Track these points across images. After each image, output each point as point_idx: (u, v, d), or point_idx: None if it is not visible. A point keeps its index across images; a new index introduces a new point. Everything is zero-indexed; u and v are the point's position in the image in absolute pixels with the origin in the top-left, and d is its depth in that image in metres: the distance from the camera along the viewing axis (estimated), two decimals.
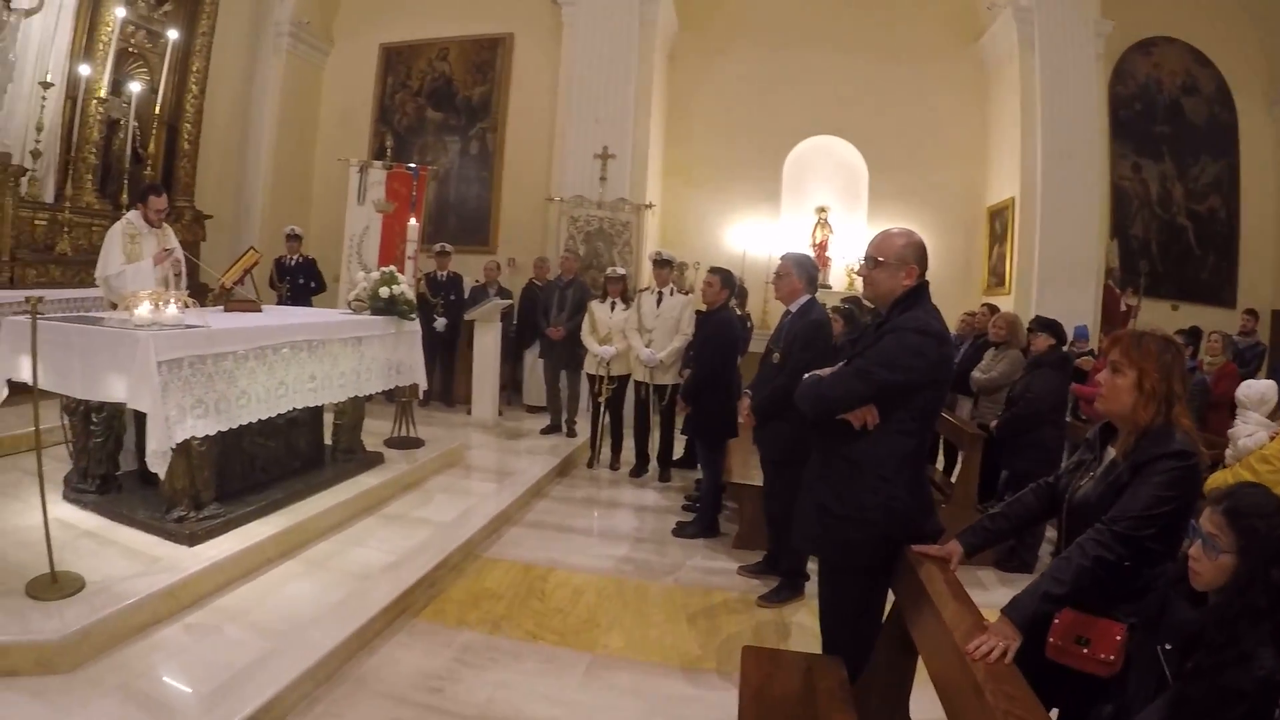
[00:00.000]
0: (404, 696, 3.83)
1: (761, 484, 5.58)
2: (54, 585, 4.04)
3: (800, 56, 12.30)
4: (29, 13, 8.45)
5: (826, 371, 3.39)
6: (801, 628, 4.71)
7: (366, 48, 14.01)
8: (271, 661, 3.79)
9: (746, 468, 6.36)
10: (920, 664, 2.85)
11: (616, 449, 8.50)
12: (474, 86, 13.19)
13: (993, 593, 5.39)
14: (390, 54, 13.83)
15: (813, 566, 4.66)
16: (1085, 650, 2.48)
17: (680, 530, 6.41)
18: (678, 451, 8.36)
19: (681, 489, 7.69)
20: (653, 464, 8.22)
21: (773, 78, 12.42)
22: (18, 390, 4.99)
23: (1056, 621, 2.52)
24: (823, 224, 12.40)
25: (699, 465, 7.13)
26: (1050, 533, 6.00)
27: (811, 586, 4.92)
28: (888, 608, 3.23)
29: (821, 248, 12.20)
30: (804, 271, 5.30)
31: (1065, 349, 6.91)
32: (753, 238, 12.20)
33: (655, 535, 6.39)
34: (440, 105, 13.44)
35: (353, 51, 14.21)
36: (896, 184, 12.00)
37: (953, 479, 7.04)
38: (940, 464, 8.26)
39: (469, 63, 13.25)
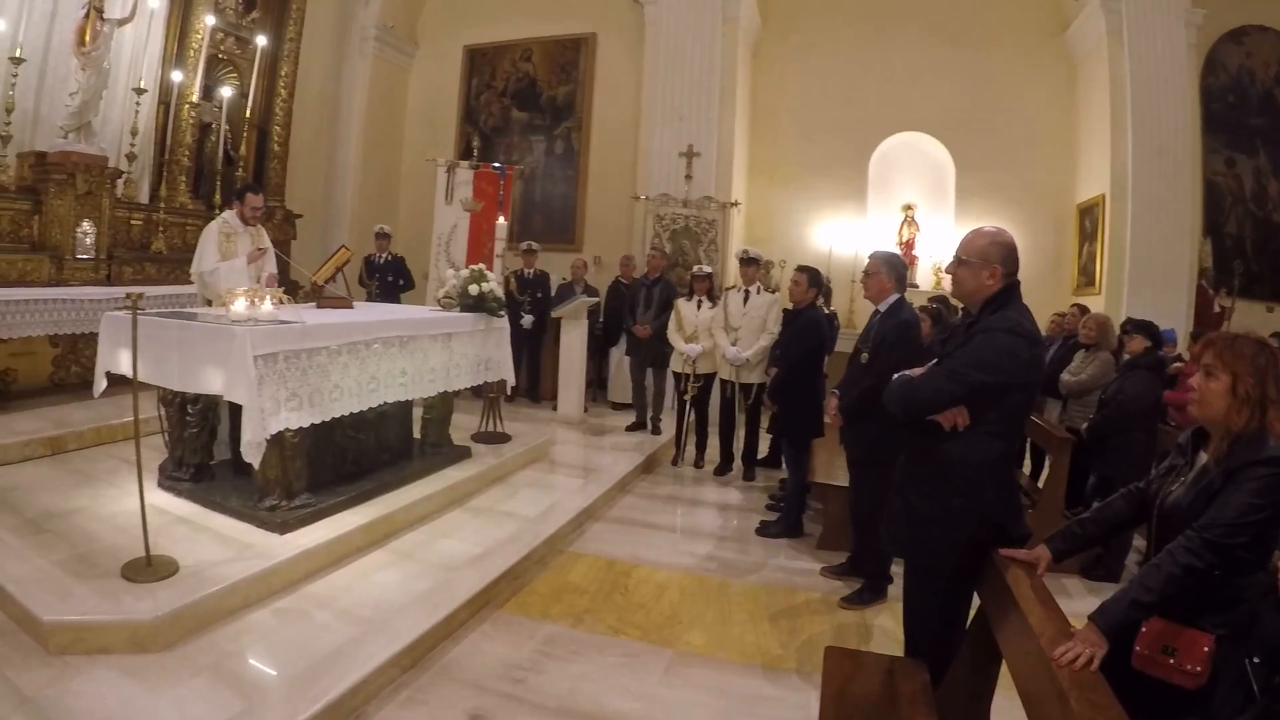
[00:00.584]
0: (486, 685, 3.90)
1: (847, 484, 5.55)
2: (149, 568, 4.25)
3: (884, 52, 12.10)
4: (122, 22, 8.84)
5: (916, 372, 3.37)
6: (883, 631, 4.67)
7: (450, 50, 14.28)
8: (358, 647, 3.91)
9: (832, 468, 6.31)
10: (1004, 669, 2.82)
11: (701, 447, 8.49)
12: (558, 86, 13.33)
13: (1078, 601, 5.26)
14: (474, 55, 14.07)
15: (896, 569, 4.63)
16: (1172, 660, 2.42)
17: (764, 529, 6.38)
18: (762, 450, 8.33)
19: (765, 488, 7.65)
20: (737, 462, 8.19)
21: (857, 74, 12.23)
22: (116, 382, 5.29)
23: (1144, 630, 2.48)
24: (909, 221, 12.17)
25: (784, 464, 7.12)
26: (1138, 541, 5.84)
27: (894, 589, 4.87)
28: (972, 612, 3.21)
29: (908, 246, 11.99)
30: (893, 270, 5.24)
31: (1160, 352, 6.72)
32: (839, 235, 12.05)
33: (739, 534, 6.38)
34: (525, 105, 13.62)
35: (437, 54, 14.51)
36: (983, 181, 11.69)
37: (1040, 483, 6.88)
38: (1027, 468, 8.09)
39: (552, 63, 13.40)
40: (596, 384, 11.13)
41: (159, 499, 5.31)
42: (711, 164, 11.25)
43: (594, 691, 3.88)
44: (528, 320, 10.43)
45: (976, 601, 3.14)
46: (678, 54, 11.40)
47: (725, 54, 11.32)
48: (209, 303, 6.27)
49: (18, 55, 7.91)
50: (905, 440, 3.46)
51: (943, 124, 12.02)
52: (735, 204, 11.39)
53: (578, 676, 4.02)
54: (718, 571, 5.53)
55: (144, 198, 9.88)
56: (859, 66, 12.22)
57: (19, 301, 7.29)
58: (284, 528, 4.94)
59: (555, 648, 4.34)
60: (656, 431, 9.31)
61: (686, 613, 4.85)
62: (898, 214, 12.25)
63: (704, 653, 4.34)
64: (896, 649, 3.67)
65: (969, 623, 3.22)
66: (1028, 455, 8.08)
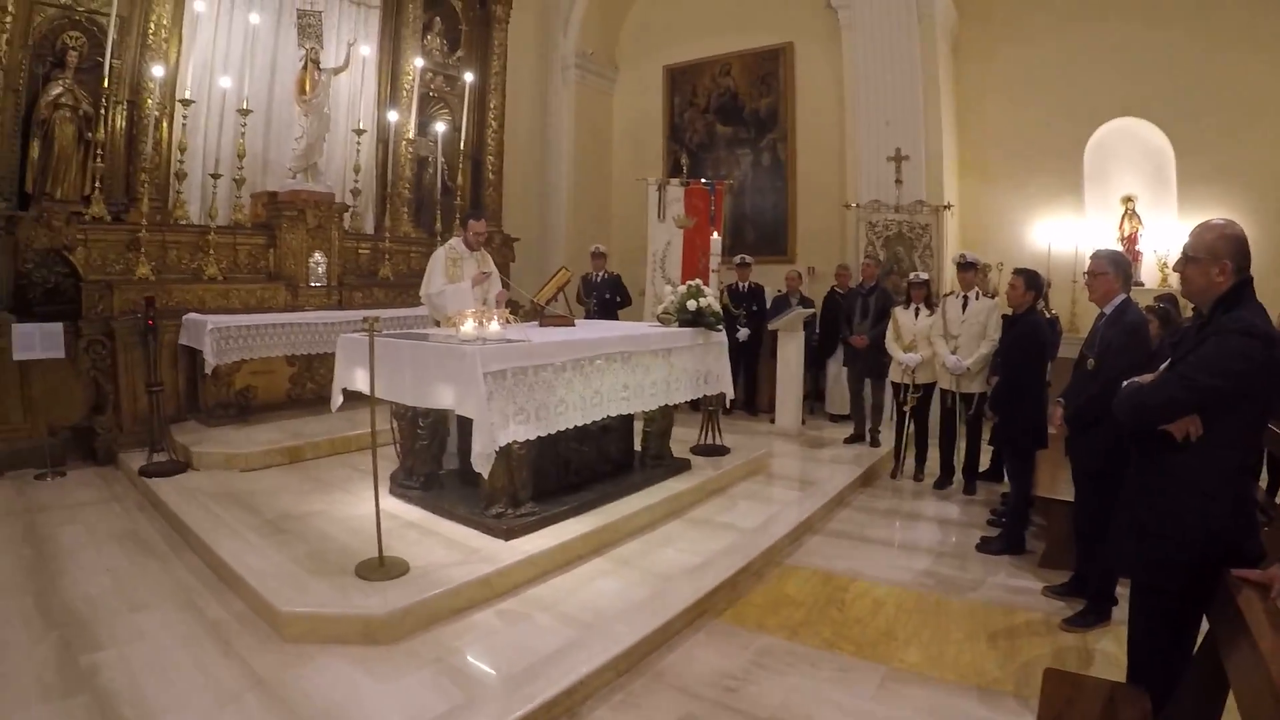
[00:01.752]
0: (699, 693, 3.97)
1: (1072, 499, 5.26)
2: (381, 568, 4.66)
3: (1089, 34, 11.20)
4: (337, 71, 9.89)
5: (1147, 378, 3.21)
6: (1105, 655, 4.41)
7: (651, 71, 14.70)
8: (576, 650, 4.09)
9: (1056, 481, 5.99)
10: (1231, 700, 2.64)
11: (920, 459, 8.30)
12: (759, 98, 13.39)
13: None
14: (674, 74, 14.41)
15: (1122, 590, 4.41)
16: None
17: (984, 545, 6.15)
18: (984, 463, 8.04)
19: (986, 502, 7.39)
20: (957, 475, 7.93)
21: (1062, 60, 11.42)
22: (349, 398, 5.85)
23: None
24: (1130, 215, 11.15)
25: (1006, 477, 6.86)
26: None
27: (1119, 612, 4.62)
28: (1200, 637, 3.01)
29: (1130, 241, 10.97)
30: (1119, 269, 4.94)
31: None
32: (1057, 233, 11.34)
33: (958, 550, 6.19)
34: (728, 120, 13.77)
35: (638, 76, 14.97)
36: (1208, 166, 10.48)
37: (1277, 498, 6.36)
38: (1265, 482, 7.38)
39: (751, 75, 13.47)
40: (814, 396, 11.04)
41: (391, 505, 5.80)
42: (921, 166, 10.99)
43: (805, 705, 3.88)
44: (743, 333, 10.55)
45: (1206, 626, 2.95)
46: (876, 56, 11.23)
47: (924, 52, 11.03)
48: (437, 323, 6.74)
49: (244, 107, 8.94)
50: (1134, 452, 3.30)
51: (1158, 107, 10.86)
52: (948, 207, 11.05)
53: (790, 689, 4.03)
54: (935, 588, 5.39)
55: (369, 229, 10.96)
56: (1064, 52, 11.38)
57: (259, 326, 8.20)
58: (509, 534, 5.26)
59: (769, 659, 4.36)
60: (875, 444, 9.15)
61: (902, 629, 4.77)
62: (1117, 207, 11.26)
63: (919, 671, 4.25)
64: (1118, 674, 3.48)
65: (1196, 649, 3.02)
66: (1265, 468, 7.38)
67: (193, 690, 3.64)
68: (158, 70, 8.21)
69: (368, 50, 10.70)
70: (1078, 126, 11.32)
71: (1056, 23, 11.46)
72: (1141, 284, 10.36)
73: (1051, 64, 11.48)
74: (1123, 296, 4.92)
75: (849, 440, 9.38)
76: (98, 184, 8.04)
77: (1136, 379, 3.26)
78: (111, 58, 7.94)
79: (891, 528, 6.87)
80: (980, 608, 5.09)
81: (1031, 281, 6.52)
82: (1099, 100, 11.17)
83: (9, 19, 7.52)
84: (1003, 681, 4.15)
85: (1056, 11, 11.46)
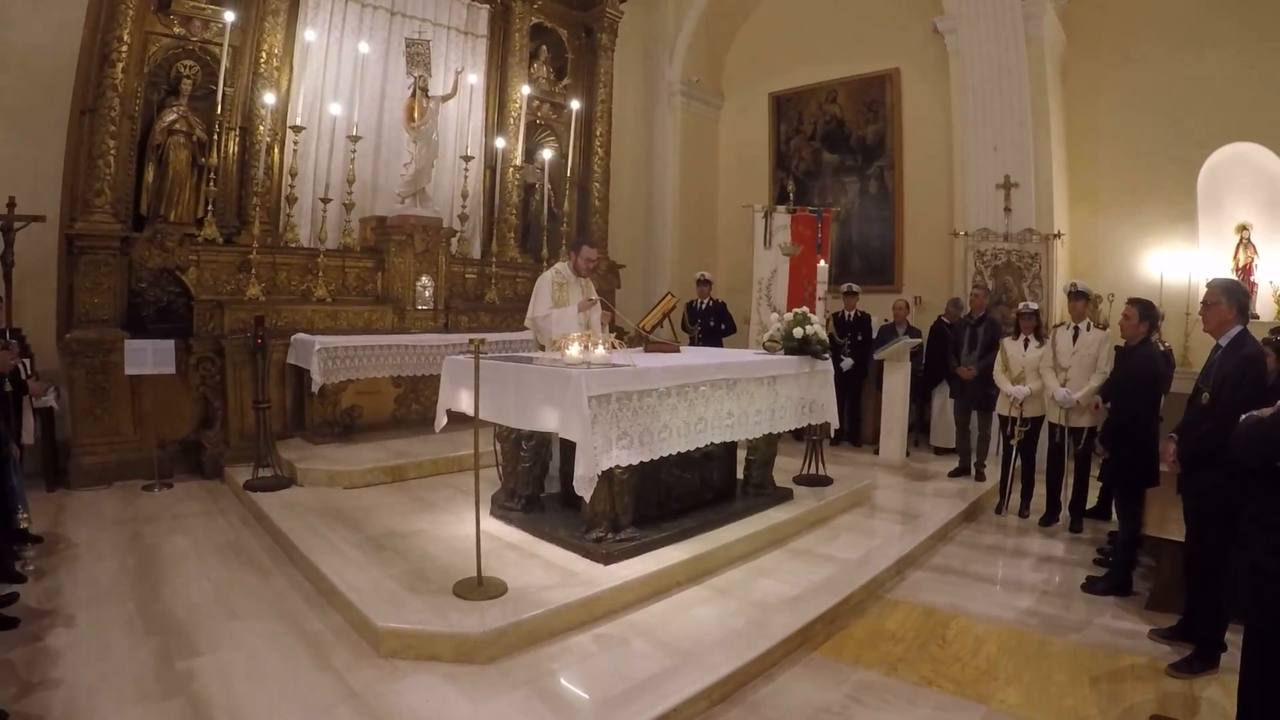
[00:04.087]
0: None
1: (1183, 539, 5.01)
2: (479, 588, 4.71)
3: (1203, 58, 10.67)
4: (445, 98, 10.14)
5: (1266, 412, 3.07)
6: (1212, 704, 4.17)
7: (756, 98, 14.71)
8: (670, 677, 4.06)
9: (1166, 520, 5.74)
10: None
11: (1027, 495, 8.02)
12: (866, 125, 13.28)
13: None
14: (780, 101, 14.40)
15: (1233, 637, 4.20)
16: None
17: (1090, 585, 5.90)
18: (1091, 499, 7.74)
19: (1093, 541, 7.10)
20: (1064, 512, 7.66)
21: (1174, 84, 10.90)
22: (453, 419, 5.93)
23: None
24: (1245, 244, 10.57)
25: (1114, 515, 6.58)
26: None
27: (1228, 659, 4.37)
28: None
29: (1245, 271, 10.41)
30: (1234, 299, 4.75)
31: None
32: (1169, 263, 10.83)
33: (1063, 589, 5.96)
34: (835, 147, 13.68)
35: (744, 103, 14.99)
36: None
37: None
38: None
39: (858, 102, 13.37)
40: (919, 428, 10.87)
41: (491, 526, 5.90)
42: (1030, 194, 10.71)
43: None
44: (848, 363, 10.46)
45: None
46: (984, 81, 11.03)
47: (1033, 75, 10.76)
48: (542, 347, 6.82)
49: (354, 134, 9.28)
50: (1252, 489, 3.15)
51: (1274, 132, 10.26)
52: (1058, 235, 10.72)
53: None
54: (1039, 627, 5.20)
55: (476, 253, 11.24)
56: (1176, 76, 10.87)
57: (366, 347, 8.41)
58: (608, 559, 5.27)
59: (866, 694, 4.27)
60: (981, 478, 8.93)
61: (1003, 669, 4.61)
62: (1231, 237, 10.63)
63: (1018, 712, 4.10)
64: None
65: None
66: None
67: (286, 700, 3.73)
68: (269, 98, 8.63)
69: (475, 78, 11.02)
70: (1190, 152, 10.75)
71: (1167, 47, 10.98)
72: (1257, 316, 9.81)
73: (1163, 88, 11.00)
74: (1239, 328, 4.73)
75: (954, 474, 9.19)
76: (210, 207, 8.45)
77: (1255, 413, 3.11)
78: (224, 85, 8.40)
79: (995, 564, 6.67)
80: (1084, 649, 4.89)
81: (1146, 312, 6.29)
82: (1212, 125, 10.59)
83: (126, 49, 7.95)
84: None
85: (1168, 35, 10.99)
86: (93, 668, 3.99)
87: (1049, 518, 7.67)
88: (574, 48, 12.67)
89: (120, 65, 7.88)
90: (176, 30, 8.53)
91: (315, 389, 8.04)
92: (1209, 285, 4.91)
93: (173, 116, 8.46)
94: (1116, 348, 7.07)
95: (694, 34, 14.36)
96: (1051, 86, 11.08)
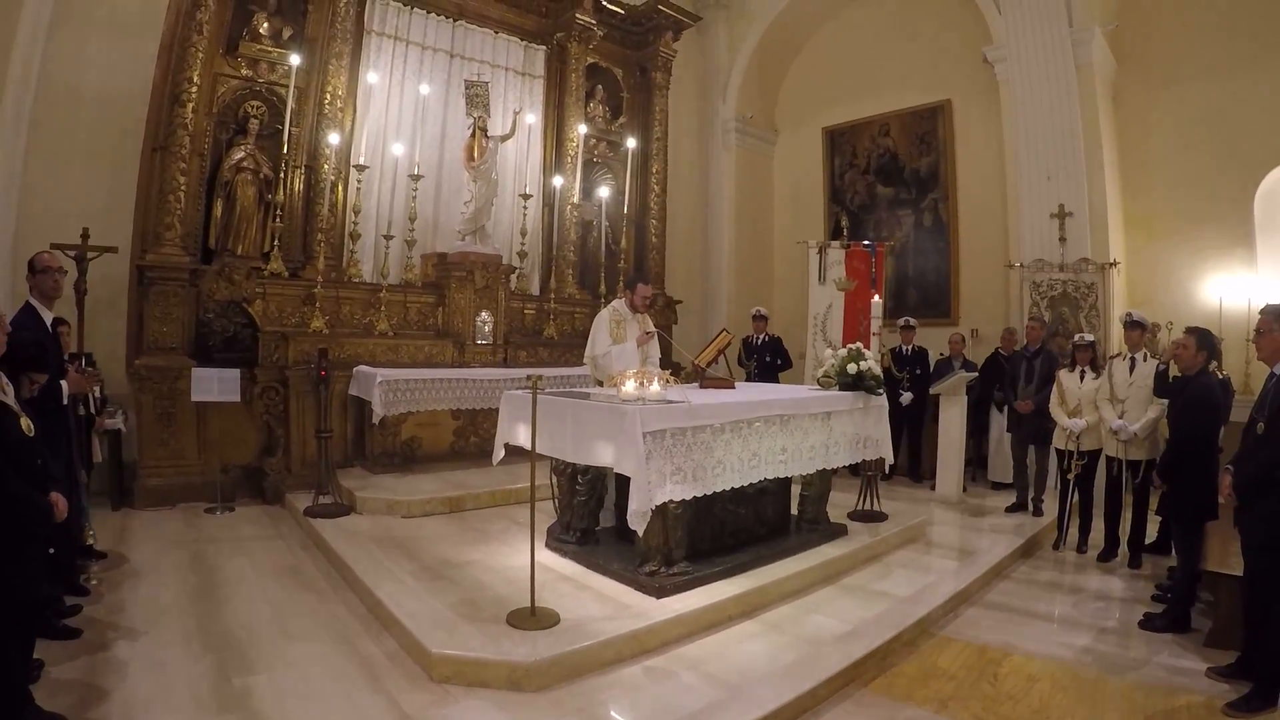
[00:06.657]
0: None
1: (1242, 574, 4.93)
2: (532, 618, 4.78)
3: (1251, 77, 10.48)
4: (504, 138, 10.40)
5: None
6: None
7: (810, 133, 14.82)
8: (719, 711, 4.06)
9: (1226, 554, 5.58)
10: None
11: (1085, 530, 7.88)
12: (919, 158, 13.29)
13: None
14: (833, 136, 14.48)
15: None
16: None
17: (1148, 622, 5.75)
18: (1151, 534, 7.56)
19: (1152, 577, 6.94)
20: (1122, 547, 7.49)
21: (1227, 104, 10.70)
22: (511, 452, 6.07)
23: None
24: None
25: (1174, 550, 6.45)
26: None
27: None
28: None
29: None
30: None
31: None
32: (1228, 289, 10.57)
33: (1120, 626, 5.83)
34: (889, 180, 13.70)
35: (797, 138, 15.12)
36: None
37: None
38: None
39: (910, 135, 13.40)
40: (976, 462, 10.72)
41: (546, 558, 5.94)
42: (1085, 223, 10.60)
43: None
44: (906, 397, 10.42)
45: None
46: (1035, 109, 10.99)
47: (1084, 102, 10.70)
48: (599, 383, 6.89)
49: (416, 173, 9.55)
50: None
51: None
52: (1114, 264, 10.58)
53: None
54: (1094, 665, 5.09)
55: (535, 289, 11.47)
56: (1228, 97, 10.67)
57: (427, 380, 8.61)
58: (661, 592, 5.29)
59: None
60: (1038, 513, 8.78)
61: (1056, 708, 4.52)
62: None
63: None
64: None
65: None
66: None
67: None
68: (334, 137, 8.95)
69: (533, 118, 11.27)
70: (1245, 174, 10.51)
71: (1217, 68, 10.80)
72: None
73: (1214, 110, 10.82)
74: None
75: (1011, 509, 9.05)
76: (276, 242, 8.79)
77: None
78: (290, 125, 8.73)
79: (1051, 601, 6.53)
80: (1140, 688, 4.78)
81: (1204, 341, 6.14)
82: (1267, 146, 10.34)
83: (195, 89, 8.31)
84: None
85: (1217, 56, 10.81)
86: (151, 681, 4.11)
87: (1107, 553, 7.51)
88: (629, 86, 12.88)
89: (190, 105, 8.23)
90: (244, 72, 8.90)
91: (376, 420, 8.23)
92: (1262, 313, 4.82)
93: (240, 154, 8.81)
94: (1174, 378, 6.94)
95: (747, 71, 14.54)
96: (1103, 112, 11.00)
